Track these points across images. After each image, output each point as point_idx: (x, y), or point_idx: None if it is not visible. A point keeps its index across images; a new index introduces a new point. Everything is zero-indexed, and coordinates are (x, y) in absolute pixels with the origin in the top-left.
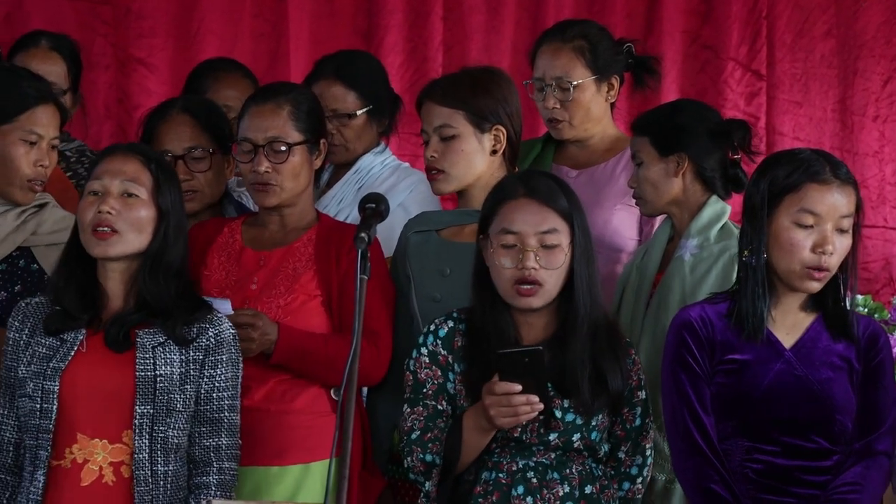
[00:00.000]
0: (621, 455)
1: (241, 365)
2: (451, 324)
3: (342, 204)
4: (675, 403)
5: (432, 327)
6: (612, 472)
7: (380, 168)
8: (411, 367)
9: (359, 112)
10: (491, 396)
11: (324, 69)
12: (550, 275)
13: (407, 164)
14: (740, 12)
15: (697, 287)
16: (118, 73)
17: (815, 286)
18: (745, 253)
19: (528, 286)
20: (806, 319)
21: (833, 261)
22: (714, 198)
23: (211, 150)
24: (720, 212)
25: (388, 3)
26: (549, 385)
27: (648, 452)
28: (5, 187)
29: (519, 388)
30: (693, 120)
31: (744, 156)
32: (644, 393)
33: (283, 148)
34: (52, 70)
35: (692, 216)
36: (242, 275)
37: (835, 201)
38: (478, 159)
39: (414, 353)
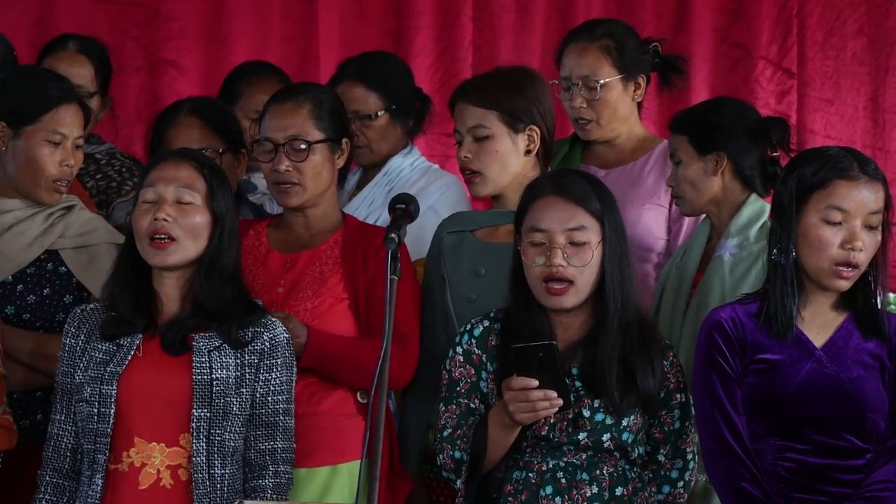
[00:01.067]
0: (661, 458)
1: (294, 368)
2: (486, 323)
3: (372, 206)
4: (705, 404)
5: (468, 326)
6: (651, 476)
7: (409, 170)
8: (447, 366)
9: (380, 113)
10: (509, 392)
11: (346, 71)
12: (580, 272)
13: (437, 166)
14: (771, 10)
15: (737, 287)
16: (149, 76)
17: (845, 284)
18: (774, 251)
19: (559, 285)
20: (837, 318)
21: (862, 257)
22: (753, 196)
23: (220, 151)
24: (760, 210)
25: (417, 4)
26: (580, 384)
27: (690, 456)
28: (31, 188)
29: (535, 383)
30: (732, 118)
31: (782, 153)
32: (684, 396)
33: (303, 146)
34: (80, 73)
35: (731, 215)
36: (269, 278)
37: (863, 197)
38: (512, 159)
39: (450, 353)
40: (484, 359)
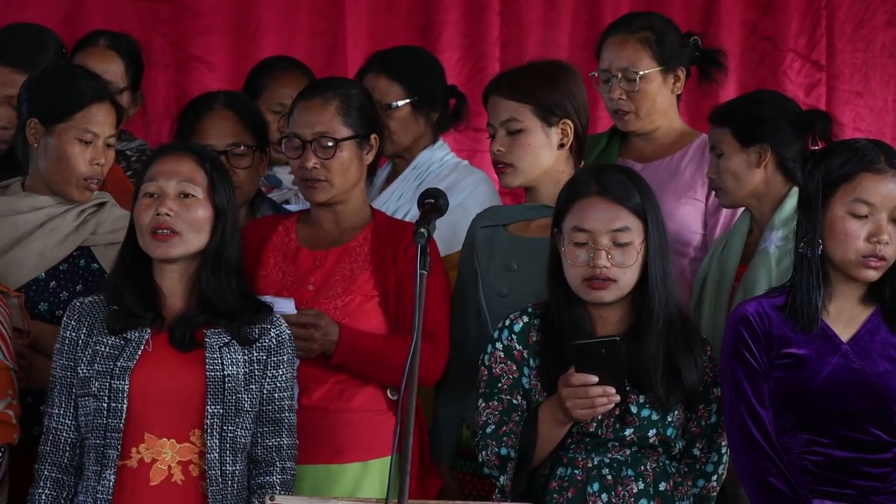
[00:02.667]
0: (696, 452)
1: (296, 365)
2: (526, 318)
3: (401, 201)
4: (731, 398)
5: (507, 322)
6: (686, 469)
7: (438, 165)
8: (486, 362)
9: (400, 103)
10: (567, 388)
11: (371, 63)
12: (624, 272)
13: (466, 162)
14: (799, 3)
15: (784, 279)
16: (177, 72)
17: (873, 274)
18: (801, 244)
19: (601, 281)
20: (864, 312)
21: (889, 251)
22: (796, 189)
23: (252, 148)
24: None
25: None
26: (625, 380)
27: (724, 450)
28: (62, 186)
29: (595, 379)
30: (775, 110)
31: (823, 145)
32: (719, 390)
33: (331, 143)
34: (110, 69)
35: (773, 208)
36: (299, 276)
37: (889, 191)
38: (545, 153)
39: (489, 348)
40: (525, 354)
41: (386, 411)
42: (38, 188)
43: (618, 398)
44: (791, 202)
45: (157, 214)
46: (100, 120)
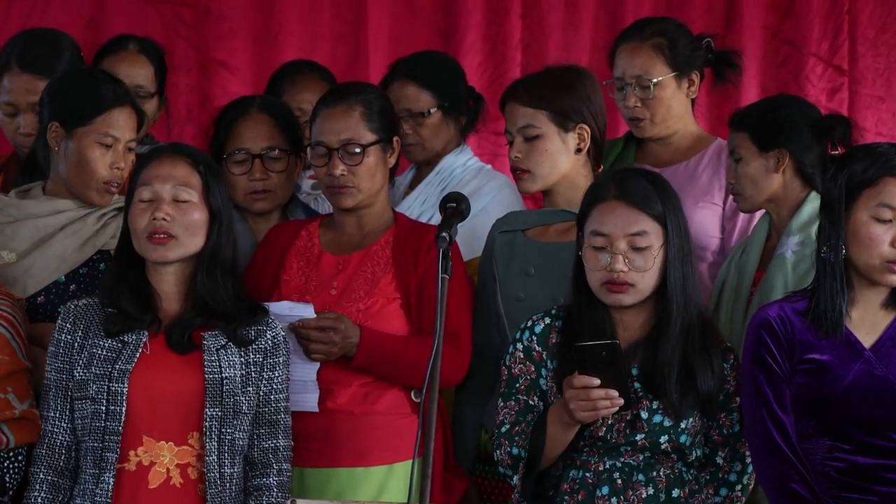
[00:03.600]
0: (719, 461)
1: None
2: (547, 320)
3: (425, 205)
4: (753, 403)
5: (529, 323)
6: (709, 478)
7: (462, 170)
8: (507, 362)
9: (432, 110)
10: (570, 390)
11: (398, 69)
12: (642, 276)
13: (489, 167)
14: (821, 7)
15: (800, 284)
16: (200, 76)
17: None
18: (824, 249)
19: (619, 285)
20: (886, 318)
21: None
22: (814, 194)
23: (287, 152)
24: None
25: (466, 3)
26: (638, 385)
27: (749, 459)
28: (82, 189)
29: (597, 381)
30: (794, 115)
31: (842, 151)
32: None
33: (358, 150)
34: (141, 73)
35: (791, 213)
36: (322, 280)
37: None
38: (562, 159)
39: (510, 349)
40: (544, 356)
41: (410, 414)
42: (59, 192)
43: (621, 401)
44: (809, 207)
45: (154, 219)
46: (120, 124)
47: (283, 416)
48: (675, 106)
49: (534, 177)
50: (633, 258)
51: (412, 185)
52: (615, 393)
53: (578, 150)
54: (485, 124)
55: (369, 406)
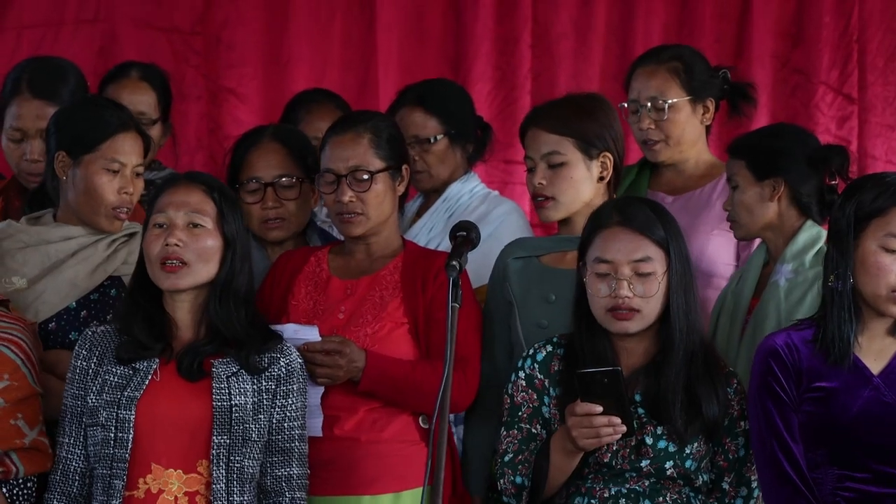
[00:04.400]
0: (725, 486)
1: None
2: (549, 348)
3: (432, 233)
4: (762, 432)
5: (531, 351)
6: (715, 503)
7: (468, 196)
8: (509, 391)
9: (438, 137)
10: (573, 417)
11: (406, 96)
12: (646, 302)
13: (496, 193)
14: (831, 36)
15: (793, 312)
16: (209, 104)
17: None
18: (832, 278)
19: (624, 312)
20: (893, 345)
21: None
22: (809, 222)
23: (300, 179)
24: (815, 237)
25: (476, 31)
26: (643, 411)
27: (755, 484)
28: (92, 216)
29: (599, 409)
30: (791, 145)
31: (840, 181)
32: (748, 423)
33: (366, 176)
34: (143, 100)
35: (787, 241)
36: (329, 304)
37: None
38: (586, 186)
39: (512, 377)
40: (546, 384)
41: (418, 441)
42: (69, 219)
43: (623, 428)
44: (804, 236)
45: (166, 245)
46: (126, 149)
47: (297, 443)
48: (689, 130)
49: (558, 204)
50: (637, 284)
51: (419, 213)
52: (618, 420)
53: (601, 179)
54: (492, 153)
55: (377, 433)
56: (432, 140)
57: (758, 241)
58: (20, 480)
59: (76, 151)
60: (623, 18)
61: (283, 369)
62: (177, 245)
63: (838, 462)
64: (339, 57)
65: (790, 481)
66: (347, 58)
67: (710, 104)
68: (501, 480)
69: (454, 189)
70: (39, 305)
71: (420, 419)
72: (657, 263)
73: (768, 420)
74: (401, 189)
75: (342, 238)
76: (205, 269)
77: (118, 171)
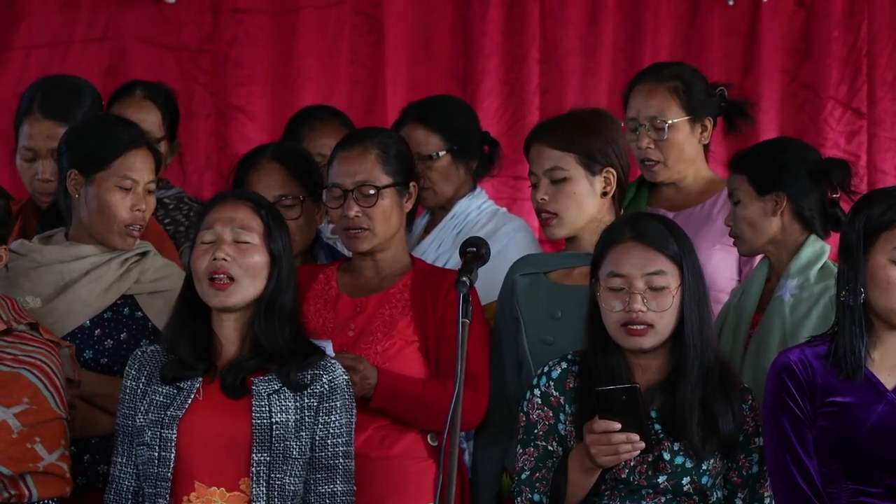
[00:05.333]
0: (738, 502)
1: (354, 410)
2: (564, 365)
3: (441, 249)
4: (776, 448)
5: (546, 369)
6: None
7: (476, 213)
8: (524, 409)
9: (441, 153)
10: (591, 435)
11: (408, 113)
12: (660, 317)
13: (504, 210)
14: (840, 50)
15: (798, 328)
16: (218, 122)
17: None
18: (843, 293)
19: (638, 327)
20: None
21: None
22: (813, 237)
23: (301, 198)
24: (819, 251)
25: (484, 48)
26: (659, 427)
27: (768, 501)
28: (104, 234)
29: (618, 426)
30: (793, 159)
31: (843, 195)
32: (761, 440)
33: (372, 192)
34: (146, 119)
35: (790, 256)
36: (339, 321)
37: None
38: (589, 202)
39: (527, 395)
40: (562, 401)
41: (427, 458)
42: (81, 238)
43: (642, 445)
44: (808, 251)
45: (214, 260)
46: (138, 166)
47: (341, 460)
48: (687, 150)
49: (561, 221)
50: (650, 298)
51: (427, 230)
52: (636, 437)
53: (605, 194)
54: (500, 169)
55: (386, 450)
56: (434, 156)
57: (758, 257)
58: None
59: (88, 169)
60: (631, 34)
61: (326, 386)
62: (224, 260)
63: (853, 477)
64: (347, 74)
65: (804, 496)
66: (355, 75)
67: (709, 122)
68: (519, 498)
69: (462, 206)
70: (53, 324)
71: (428, 436)
72: (670, 277)
73: (782, 436)
74: (408, 206)
75: (348, 254)
76: (252, 286)
77: (130, 188)
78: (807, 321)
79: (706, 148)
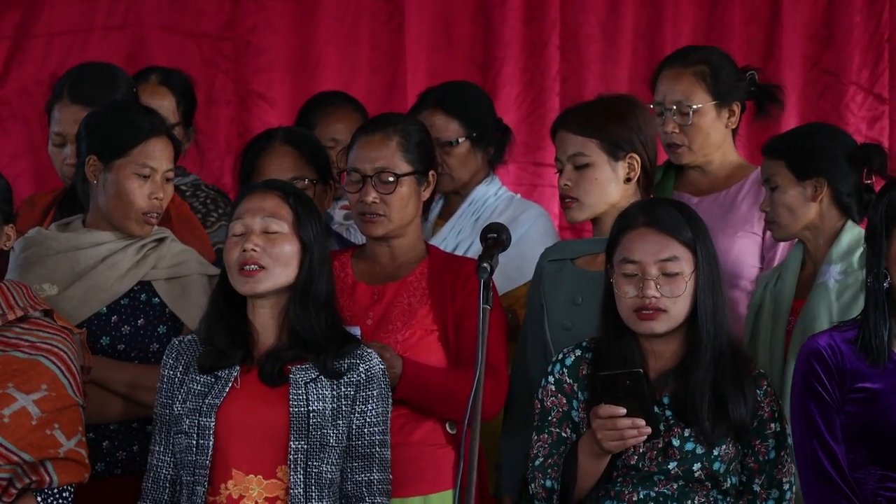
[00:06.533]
0: (756, 488)
1: (390, 400)
2: (578, 352)
3: (461, 236)
4: (803, 432)
5: (560, 356)
6: None
7: (494, 199)
8: (539, 396)
9: (460, 140)
10: (597, 420)
11: (427, 99)
12: (674, 302)
13: (520, 196)
14: (861, 36)
15: (845, 312)
16: (239, 108)
17: None
18: (869, 278)
19: (651, 311)
20: None
21: None
22: (850, 223)
23: (313, 182)
24: (858, 237)
25: (504, 35)
26: (670, 413)
27: (786, 486)
28: (122, 221)
29: (623, 410)
30: (832, 144)
31: (877, 180)
32: (778, 425)
33: (391, 178)
34: (161, 104)
35: (827, 242)
36: (357, 310)
37: None
38: (611, 187)
39: (542, 382)
40: (575, 388)
41: (445, 445)
42: (99, 224)
43: (648, 430)
44: (847, 236)
45: (244, 251)
46: (157, 154)
47: (378, 449)
48: (713, 134)
49: (581, 205)
50: (664, 283)
51: (441, 216)
52: (642, 422)
53: (628, 180)
54: (512, 156)
55: (405, 437)
56: (454, 143)
57: (782, 244)
58: (55, 490)
59: (107, 156)
60: (651, 21)
61: (363, 375)
62: (254, 250)
63: (880, 462)
64: (367, 61)
65: (831, 481)
66: (375, 62)
67: (736, 107)
68: (532, 485)
69: (479, 192)
70: (70, 311)
71: (447, 424)
72: (684, 263)
73: (809, 420)
74: (426, 195)
75: (355, 242)
76: (283, 274)
77: (149, 176)
78: (853, 307)
79: (734, 133)
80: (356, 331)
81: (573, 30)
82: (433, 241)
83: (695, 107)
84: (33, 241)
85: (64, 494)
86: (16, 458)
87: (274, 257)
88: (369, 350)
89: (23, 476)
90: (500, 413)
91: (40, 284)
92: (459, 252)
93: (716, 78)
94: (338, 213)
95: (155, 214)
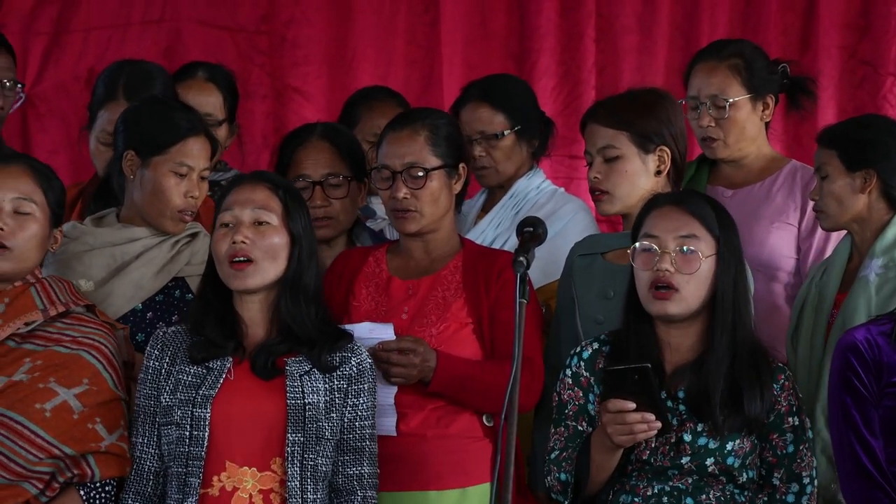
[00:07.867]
0: (775, 482)
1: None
2: (595, 346)
3: (500, 229)
4: (840, 427)
5: (578, 349)
6: (766, 500)
7: (536, 193)
8: (557, 389)
9: (506, 133)
10: (606, 414)
11: (471, 92)
12: (687, 280)
13: (562, 190)
14: None
15: (884, 307)
16: (275, 103)
17: None
18: None
19: (664, 290)
20: None
21: None
22: None
23: (348, 178)
24: None
25: (540, 27)
26: (684, 408)
27: (807, 480)
28: (157, 217)
29: (632, 405)
30: (885, 136)
31: None
32: (797, 419)
33: (421, 173)
34: (209, 101)
35: (874, 234)
36: (392, 305)
37: None
38: (641, 180)
39: (560, 375)
40: (591, 381)
41: (482, 438)
42: (133, 219)
43: (658, 425)
44: (893, 230)
45: (233, 243)
46: (195, 153)
47: (368, 442)
48: (748, 128)
49: (612, 198)
50: (679, 260)
51: (485, 209)
52: (651, 416)
53: (658, 173)
54: (554, 149)
55: (442, 429)
56: (500, 135)
57: (818, 235)
58: (97, 484)
59: (145, 152)
60: (687, 12)
61: (355, 368)
62: (243, 242)
63: None
64: (403, 54)
65: (868, 475)
66: (411, 55)
67: (770, 100)
68: (548, 478)
69: (521, 185)
70: (106, 308)
71: (484, 417)
72: (703, 243)
73: (846, 414)
74: (457, 187)
75: (391, 238)
76: (272, 267)
77: (186, 174)
78: (892, 300)
79: (767, 125)
80: (389, 328)
81: (609, 21)
82: (472, 234)
83: (731, 100)
84: (69, 237)
85: (106, 488)
86: (58, 452)
87: (263, 250)
88: (359, 344)
89: (65, 470)
90: (534, 406)
91: (76, 280)
92: (497, 245)
93: (750, 71)
94: (379, 209)
95: (190, 212)
